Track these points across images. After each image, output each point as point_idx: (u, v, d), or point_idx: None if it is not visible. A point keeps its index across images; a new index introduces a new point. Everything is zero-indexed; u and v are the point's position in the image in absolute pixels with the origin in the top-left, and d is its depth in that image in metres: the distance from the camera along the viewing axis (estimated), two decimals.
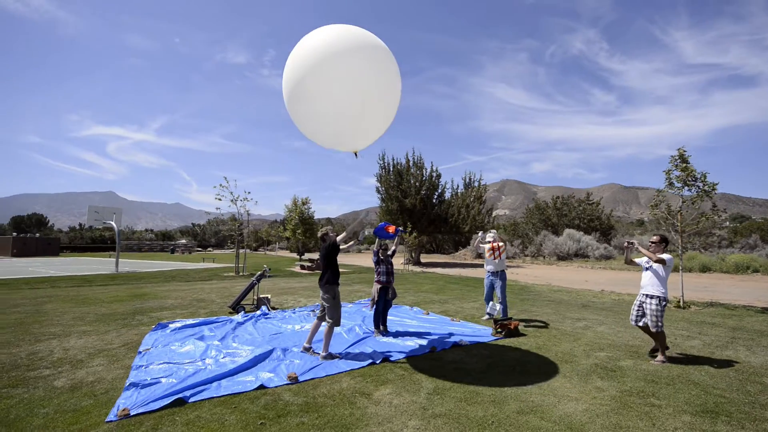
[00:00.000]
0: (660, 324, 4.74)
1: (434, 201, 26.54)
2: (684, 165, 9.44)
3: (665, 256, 4.85)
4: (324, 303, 4.94)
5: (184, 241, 74.88)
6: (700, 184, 9.25)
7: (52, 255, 43.03)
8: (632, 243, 5.31)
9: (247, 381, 4.01)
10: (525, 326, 6.71)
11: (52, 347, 5.30)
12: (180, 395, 3.58)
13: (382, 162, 26.41)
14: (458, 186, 28.17)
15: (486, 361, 4.74)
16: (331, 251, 4.97)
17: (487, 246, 7.24)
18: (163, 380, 4.00)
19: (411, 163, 26.16)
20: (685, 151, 9.60)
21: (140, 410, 3.30)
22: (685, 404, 3.54)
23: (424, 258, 35.53)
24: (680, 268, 9.73)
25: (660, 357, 4.78)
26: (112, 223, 21.58)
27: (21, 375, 4.20)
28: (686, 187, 9.48)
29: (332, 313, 4.86)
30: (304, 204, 31.82)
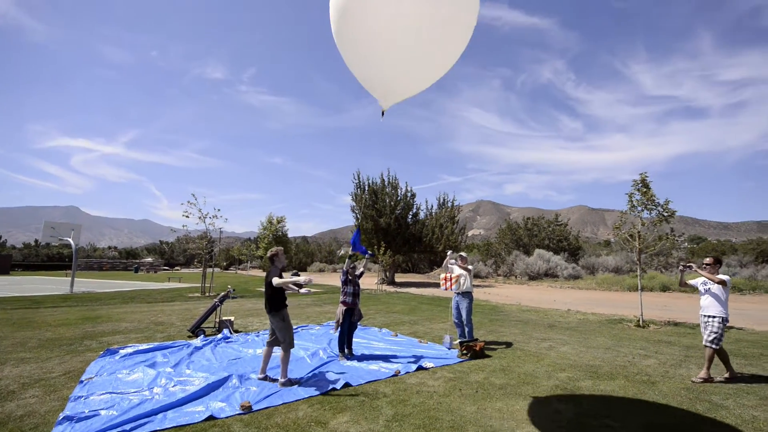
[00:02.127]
0: (720, 343, 4.83)
1: (409, 221, 26.73)
2: (645, 190, 9.96)
3: (724, 276, 4.95)
4: (274, 328, 4.78)
5: (150, 259, 71.47)
6: (661, 209, 9.74)
7: (2, 273, 39.95)
8: (690, 266, 5.27)
9: (196, 412, 3.76)
10: (490, 347, 6.73)
11: None
12: (119, 429, 3.31)
13: (357, 181, 26.50)
14: (432, 206, 28.55)
15: (449, 384, 4.69)
16: (278, 274, 4.79)
17: (442, 276, 7.32)
18: (103, 413, 3.70)
19: (386, 182, 26.39)
20: (647, 176, 10.14)
21: None
22: (637, 424, 3.60)
23: (399, 277, 35.41)
24: (639, 287, 10.11)
25: (726, 374, 4.90)
26: (70, 239, 20.37)
27: None
28: (646, 211, 9.97)
29: (284, 335, 4.70)
30: (279, 222, 31.30)
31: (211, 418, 3.63)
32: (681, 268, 5.47)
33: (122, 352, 6.08)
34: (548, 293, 19.69)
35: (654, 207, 9.51)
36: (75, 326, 8.62)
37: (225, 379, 4.66)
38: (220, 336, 7.36)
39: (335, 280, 30.87)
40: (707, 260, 5.22)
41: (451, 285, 7.09)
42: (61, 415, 3.62)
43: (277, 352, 4.78)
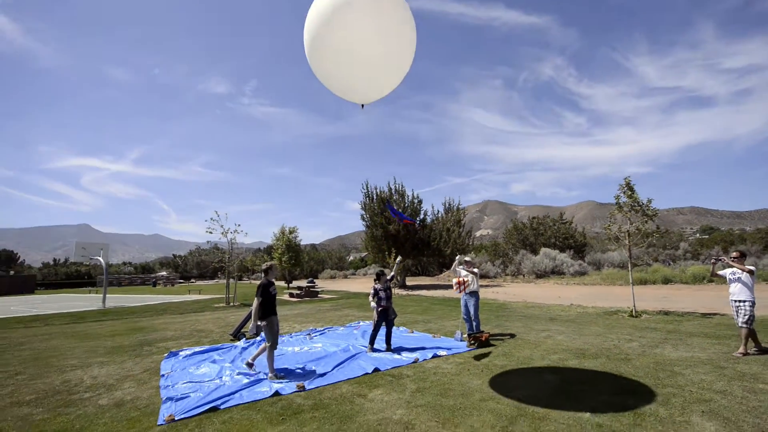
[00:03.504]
0: (753, 322, 5.75)
1: (417, 226, 27.75)
2: (629, 193, 10.93)
3: (751, 267, 5.91)
4: (262, 330, 5.69)
5: (164, 273, 73.28)
6: (646, 209, 10.70)
7: (27, 293, 41.68)
8: (721, 258, 6.29)
9: (263, 390, 4.86)
10: (495, 338, 7.74)
11: (79, 376, 5.97)
12: (212, 404, 4.41)
13: (365, 191, 27.65)
14: (439, 211, 29.57)
15: (459, 366, 5.73)
16: (262, 289, 5.61)
17: (455, 281, 8.16)
18: (192, 395, 4.80)
19: (393, 190, 27.49)
20: (630, 179, 11.11)
21: (182, 416, 4.12)
22: (608, 387, 4.60)
23: (410, 280, 36.39)
24: (631, 280, 11.02)
25: (754, 347, 5.82)
26: (100, 258, 21.76)
27: (65, 398, 4.91)
28: (632, 211, 10.93)
29: (268, 335, 5.58)
30: (291, 233, 32.55)
31: (276, 394, 4.72)
32: (713, 261, 6.45)
33: (182, 353, 7.21)
34: (554, 290, 20.55)
35: (638, 208, 10.46)
36: (128, 336, 9.79)
37: (279, 369, 5.75)
38: (259, 338, 8.46)
39: (348, 285, 31.96)
40: (734, 254, 6.14)
41: (464, 289, 7.86)
42: (163, 396, 4.73)
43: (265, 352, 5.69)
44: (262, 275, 5.87)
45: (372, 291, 7.23)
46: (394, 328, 9.57)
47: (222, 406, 4.40)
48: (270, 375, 5.49)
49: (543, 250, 33.27)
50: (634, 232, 10.83)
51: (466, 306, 8.19)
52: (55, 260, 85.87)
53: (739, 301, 5.93)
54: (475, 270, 8.13)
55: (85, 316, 14.82)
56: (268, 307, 5.66)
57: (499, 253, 42.26)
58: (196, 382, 5.39)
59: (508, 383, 4.89)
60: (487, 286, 25.20)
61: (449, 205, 29.14)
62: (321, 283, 35.72)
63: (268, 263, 5.94)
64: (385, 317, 7.09)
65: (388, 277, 7.47)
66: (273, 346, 5.62)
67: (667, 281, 21.11)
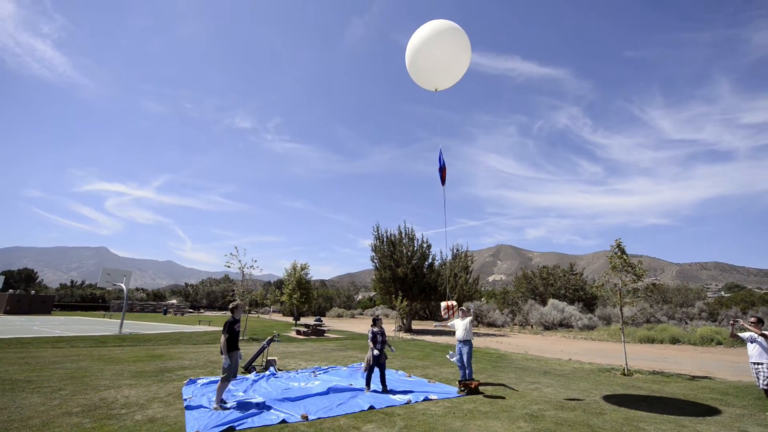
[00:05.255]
0: None
1: (425, 270, 28.40)
2: (620, 254, 11.65)
3: (766, 332, 6.54)
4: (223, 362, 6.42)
5: (174, 301, 74.25)
6: (636, 270, 11.35)
7: (45, 313, 43.00)
8: (737, 320, 6.99)
9: (272, 418, 5.64)
10: (485, 387, 8.30)
11: (113, 395, 6.83)
12: (230, 425, 5.22)
13: (376, 233, 28.76)
14: (447, 256, 30.24)
15: (446, 410, 6.38)
16: (227, 326, 6.42)
17: (444, 305, 8.55)
18: (212, 417, 5.61)
19: (403, 234, 28.51)
20: (621, 242, 11.87)
21: (208, 431, 4.94)
22: None
23: (416, 325, 36.32)
24: (623, 339, 11.43)
25: None
26: (122, 285, 23.01)
27: (106, 412, 5.78)
28: (623, 272, 11.58)
29: (225, 369, 6.28)
30: (302, 269, 33.46)
31: (283, 422, 5.50)
32: (731, 322, 7.12)
33: (200, 381, 8.02)
34: (558, 344, 20.56)
35: (629, 269, 11.14)
36: (149, 362, 10.64)
37: (284, 400, 6.51)
38: (268, 372, 9.21)
39: (354, 326, 32.21)
40: (752, 319, 6.78)
41: (452, 314, 8.40)
42: (187, 415, 5.55)
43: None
44: (230, 313, 6.66)
45: (370, 335, 8.02)
46: (394, 371, 10.18)
47: (238, 428, 5.19)
48: (215, 405, 6.08)
49: (551, 301, 33.13)
50: (625, 291, 11.41)
51: (460, 353, 8.83)
52: (72, 282, 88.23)
53: (758, 363, 6.52)
54: (470, 318, 8.85)
55: (106, 341, 15.74)
56: (232, 343, 6.44)
57: (508, 301, 41.97)
58: (213, 407, 6.18)
59: (485, 427, 5.54)
60: (492, 335, 25.20)
61: (457, 250, 29.85)
62: (328, 322, 36.00)
63: (235, 303, 6.79)
64: (378, 360, 7.81)
65: (378, 330, 8.07)
66: (227, 378, 6.27)
67: (674, 341, 20.90)
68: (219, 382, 6.31)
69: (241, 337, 18.66)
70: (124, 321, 31.11)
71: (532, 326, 32.03)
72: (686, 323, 31.21)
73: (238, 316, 6.70)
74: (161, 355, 12.20)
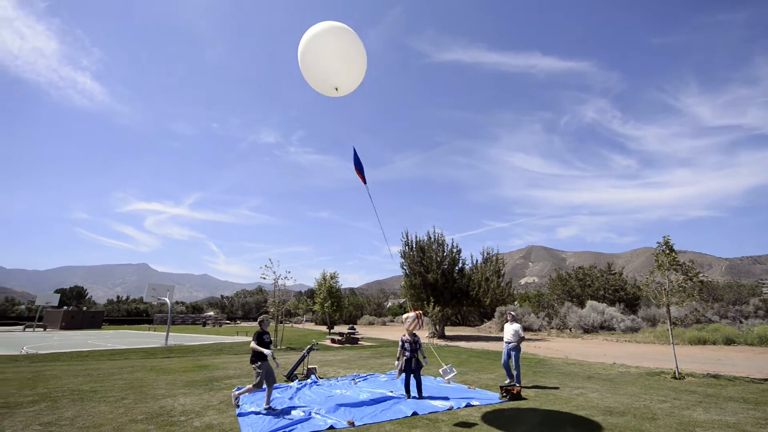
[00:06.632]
0: None
1: (455, 275, 28.13)
2: (668, 252, 11.17)
3: None
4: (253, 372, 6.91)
5: (212, 313, 77.09)
6: (688, 270, 10.84)
7: (95, 328, 45.74)
8: None
9: (320, 424, 5.84)
10: (527, 393, 8.18)
11: (170, 404, 7.27)
12: (282, 430, 5.47)
13: (405, 239, 28.83)
14: (477, 260, 29.81)
15: (488, 416, 6.37)
16: (257, 336, 6.92)
17: (413, 314, 8.63)
18: (263, 423, 5.88)
19: (432, 239, 28.42)
20: (669, 239, 11.38)
21: None
22: None
23: (449, 330, 35.91)
24: (671, 340, 10.91)
25: None
26: (167, 299, 24.25)
27: (167, 419, 6.18)
28: (671, 271, 11.07)
29: (255, 379, 6.75)
30: (332, 278, 33.99)
31: (331, 428, 5.69)
32: None
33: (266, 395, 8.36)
34: (600, 347, 19.77)
35: (678, 268, 10.64)
36: (197, 372, 11.19)
37: (328, 407, 6.72)
38: (310, 380, 9.48)
39: (386, 333, 32.28)
40: None
41: (420, 325, 8.48)
42: (240, 421, 5.85)
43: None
44: (259, 326, 7.15)
45: (400, 342, 8.11)
46: (431, 378, 10.20)
47: None
48: (265, 406, 6.69)
49: (590, 302, 31.90)
50: (674, 290, 10.90)
51: (508, 356, 8.83)
52: (118, 297, 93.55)
53: None
54: (518, 324, 8.93)
55: (155, 353, 16.64)
56: (262, 354, 6.86)
57: (543, 304, 40.72)
58: (263, 414, 6.48)
59: None
60: (529, 339, 24.55)
61: (488, 254, 29.36)
62: (360, 330, 36.24)
63: (262, 316, 7.38)
64: (409, 367, 7.85)
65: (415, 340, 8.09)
66: (257, 386, 6.75)
67: (729, 342, 19.60)
68: (251, 387, 6.80)
69: (278, 347, 19.21)
70: (170, 334, 32.66)
71: (570, 329, 30.92)
72: (741, 322, 29.14)
73: (265, 327, 7.18)
74: (207, 365, 12.78)
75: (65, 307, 51.87)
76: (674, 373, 10.04)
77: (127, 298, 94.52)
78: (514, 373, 8.54)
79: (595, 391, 8.33)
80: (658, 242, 11.62)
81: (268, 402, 6.81)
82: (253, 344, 6.92)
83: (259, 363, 6.83)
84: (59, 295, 46.92)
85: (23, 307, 67.00)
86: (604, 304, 31.58)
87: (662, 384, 9.23)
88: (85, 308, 57.78)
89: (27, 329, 39.90)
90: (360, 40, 5.70)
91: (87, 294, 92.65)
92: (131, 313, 75.01)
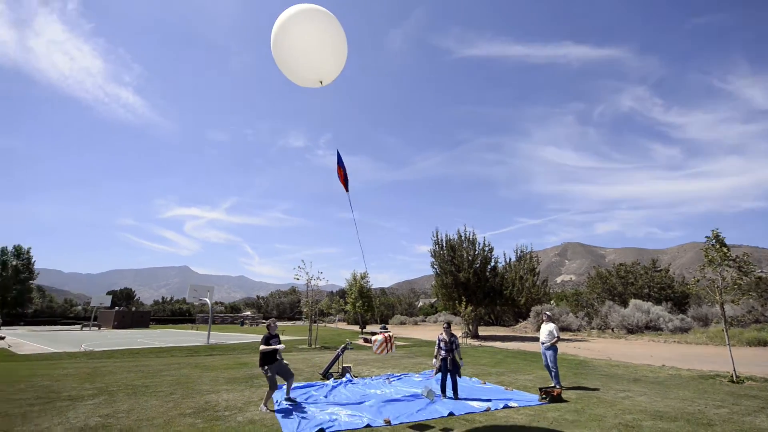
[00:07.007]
0: None
1: (488, 274, 27.56)
2: (719, 246, 10.41)
3: None
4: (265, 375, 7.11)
5: (248, 313, 79.97)
6: (742, 264, 10.07)
7: (143, 327, 48.67)
8: None
9: (357, 421, 5.92)
10: (569, 395, 7.88)
11: (215, 399, 7.62)
12: (321, 426, 5.59)
13: (435, 238, 28.58)
14: (510, 258, 29.05)
15: (528, 418, 6.19)
16: (265, 340, 7.11)
17: (381, 337, 8.73)
18: (302, 420, 6.04)
19: (463, 238, 27.98)
20: (719, 232, 10.61)
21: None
22: None
23: (483, 330, 35.23)
24: (727, 341, 10.15)
25: None
26: (207, 299, 25.41)
27: (212, 414, 6.48)
28: (722, 266, 10.31)
29: (268, 381, 6.95)
30: (363, 278, 34.29)
31: (368, 426, 5.74)
32: None
33: (285, 388, 8.60)
34: (646, 348, 18.71)
35: (730, 262, 9.89)
36: (238, 370, 11.63)
37: (365, 405, 6.79)
38: (345, 379, 9.62)
39: (419, 333, 32.15)
40: None
41: (387, 348, 8.69)
42: (279, 418, 6.04)
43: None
44: (267, 330, 7.43)
45: (437, 341, 8.07)
46: (467, 378, 10.05)
47: (328, 430, 5.54)
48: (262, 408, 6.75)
49: (633, 301, 30.26)
50: (729, 287, 10.15)
51: (545, 357, 8.62)
52: (163, 298, 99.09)
53: None
54: (554, 324, 8.65)
55: (198, 351, 17.48)
56: (270, 356, 7.07)
57: (581, 303, 39.04)
58: (300, 412, 6.65)
59: None
60: (568, 340, 23.63)
61: (521, 252, 28.54)
62: (392, 329, 36.32)
63: (269, 320, 7.70)
64: (445, 366, 7.76)
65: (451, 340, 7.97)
66: (271, 389, 6.91)
67: None
68: (268, 392, 6.99)
69: (312, 346, 19.62)
70: (210, 333, 34.16)
71: (612, 330, 29.46)
72: None
73: (273, 331, 7.44)
74: (246, 362, 13.27)
75: (116, 308, 55.50)
76: (731, 376, 9.33)
77: (171, 298, 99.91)
78: (553, 373, 8.28)
79: (643, 395, 7.89)
80: (707, 236, 10.85)
81: (288, 393, 7.23)
82: (261, 346, 7.14)
83: (267, 367, 7.07)
84: (111, 296, 50.37)
85: (80, 307, 72.37)
86: (650, 303, 29.82)
87: (718, 388, 8.60)
88: (134, 309, 61.60)
89: (84, 328, 43.07)
90: (336, 20, 5.20)
91: (135, 295, 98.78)
92: (175, 313, 79.21)
